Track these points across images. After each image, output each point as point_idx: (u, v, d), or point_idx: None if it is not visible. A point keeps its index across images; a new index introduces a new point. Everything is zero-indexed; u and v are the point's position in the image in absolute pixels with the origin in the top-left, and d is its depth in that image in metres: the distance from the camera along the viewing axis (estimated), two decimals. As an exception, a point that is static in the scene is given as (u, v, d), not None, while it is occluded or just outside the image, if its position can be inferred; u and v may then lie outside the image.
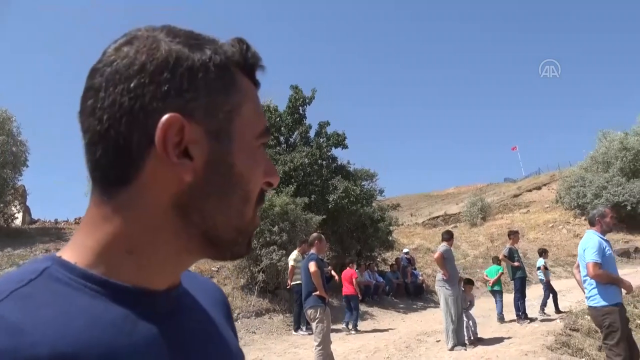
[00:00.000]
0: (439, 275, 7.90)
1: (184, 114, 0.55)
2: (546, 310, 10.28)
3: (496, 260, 10.96)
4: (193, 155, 0.56)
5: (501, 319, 9.95)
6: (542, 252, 11.51)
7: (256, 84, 0.64)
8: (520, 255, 10.17)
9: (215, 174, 0.57)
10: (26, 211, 17.07)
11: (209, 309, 0.69)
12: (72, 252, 0.56)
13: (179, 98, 0.55)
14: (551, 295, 10.53)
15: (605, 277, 4.61)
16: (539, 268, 11.16)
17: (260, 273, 10.75)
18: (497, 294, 10.36)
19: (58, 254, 0.57)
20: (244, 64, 0.62)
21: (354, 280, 10.74)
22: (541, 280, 11.03)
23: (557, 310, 10.37)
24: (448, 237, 8.30)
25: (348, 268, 11.09)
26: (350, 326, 10.22)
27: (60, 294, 0.52)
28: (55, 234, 13.85)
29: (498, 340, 7.91)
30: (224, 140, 0.58)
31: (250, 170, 0.60)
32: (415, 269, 15.79)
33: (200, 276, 0.77)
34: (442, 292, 7.77)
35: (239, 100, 0.60)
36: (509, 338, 7.97)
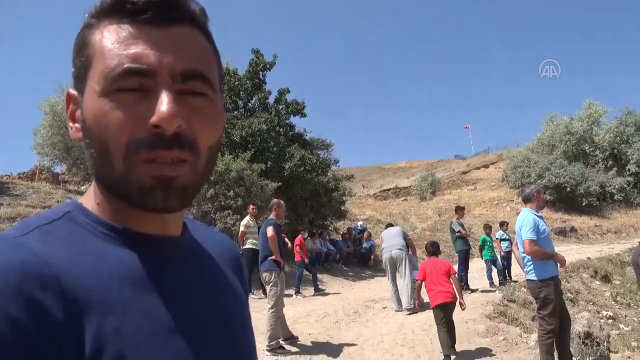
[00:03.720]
0: (401, 245, 8.63)
1: (74, 86, 0.65)
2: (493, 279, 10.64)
3: (487, 229, 11.23)
4: (76, 119, 0.65)
5: (490, 284, 10.31)
6: (502, 225, 11.88)
7: (143, 18, 0.61)
8: (459, 228, 10.51)
9: (83, 132, 0.63)
10: (-34, 163, 16.23)
11: (217, 260, 0.75)
12: (83, 199, 0.67)
13: (73, 72, 0.65)
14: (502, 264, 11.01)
15: (540, 253, 4.92)
16: (498, 239, 11.43)
17: (214, 237, 10.77)
18: (486, 262, 10.73)
19: (79, 200, 0.66)
20: (110, 7, 0.62)
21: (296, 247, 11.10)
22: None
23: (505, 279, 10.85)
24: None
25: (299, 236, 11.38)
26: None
27: (77, 234, 0.61)
28: (-2, 188, 13.27)
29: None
30: (81, 97, 0.63)
31: (101, 120, 0.59)
32: (370, 238, 15.99)
33: (217, 232, 0.84)
34: (408, 259, 8.50)
35: (89, 54, 0.62)
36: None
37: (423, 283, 5.84)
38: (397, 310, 8.15)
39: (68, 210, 0.64)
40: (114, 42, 0.60)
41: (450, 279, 5.71)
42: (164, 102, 0.58)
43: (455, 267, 10.22)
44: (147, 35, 0.60)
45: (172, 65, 0.60)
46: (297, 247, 11.03)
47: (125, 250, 0.62)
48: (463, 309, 5.90)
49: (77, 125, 0.65)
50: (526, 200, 5.26)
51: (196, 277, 0.68)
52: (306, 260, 11.01)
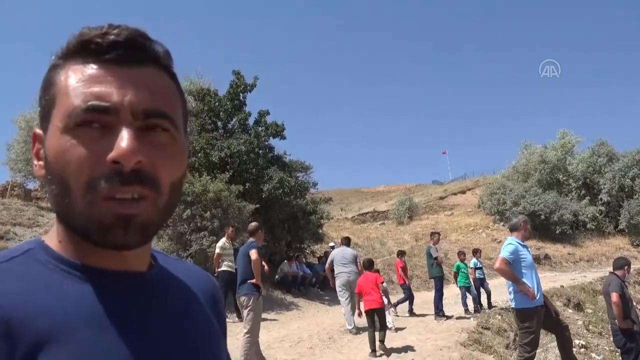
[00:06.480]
0: (357, 271, 8.80)
1: (40, 126, 0.66)
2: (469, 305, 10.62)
3: (461, 256, 11.27)
4: (40, 157, 0.65)
5: (465, 311, 10.26)
6: (475, 252, 11.91)
7: (106, 58, 0.62)
8: (441, 255, 10.62)
9: (45, 169, 0.64)
10: None
11: (191, 294, 0.74)
12: (46, 237, 0.67)
13: (39, 111, 0.66)
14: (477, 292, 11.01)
15: (508, 274, 4.98)
16: (472, 268, 11.38)
17: (189, 258, 10.61)
18: (461, 288, 10.70)
19: (42, 237, 0.67)
20: (75, 48, 0.63)
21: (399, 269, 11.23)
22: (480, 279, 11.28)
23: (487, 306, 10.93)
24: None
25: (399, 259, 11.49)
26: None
27: (35, 270, 0.61)
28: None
29: (416, 335, 8.28)
30: (45, 136, 0.64)
31: (62, 156, 0.59)
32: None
33: (193, 266, 0.83)
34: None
35: (53, 93, 0.63)
36: (426, 333, 8.37)
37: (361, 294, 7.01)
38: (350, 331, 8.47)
39: (29, 247, 0.64)
40: (78, 81, 0.61)
41: (379, 288, 6.96)
42: (124, 138, 0.59)
43: (433, 293, 10.33)
44: (111, 75, 0.61)
45: (133, 103, 0.61)
46: (401, 270, 11.08)
47: (86, 287, 0.61)
48: (387, 310, 7.28)
49: (40, 162, 0.65)
50: (512, 229, 5.34)
51: (162, 313, 0.68)
52: (407, 282, 11.10)
